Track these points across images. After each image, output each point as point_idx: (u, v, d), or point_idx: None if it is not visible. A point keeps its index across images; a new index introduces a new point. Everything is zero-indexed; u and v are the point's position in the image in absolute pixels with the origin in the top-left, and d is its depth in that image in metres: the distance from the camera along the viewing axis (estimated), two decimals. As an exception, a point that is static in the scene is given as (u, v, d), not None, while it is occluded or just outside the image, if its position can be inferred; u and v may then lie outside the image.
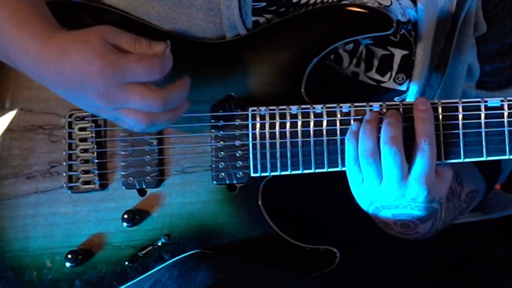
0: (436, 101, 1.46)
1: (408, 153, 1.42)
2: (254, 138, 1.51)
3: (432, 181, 1.43)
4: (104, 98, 1.38)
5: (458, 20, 1.56)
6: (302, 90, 1.51)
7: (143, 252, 1.55)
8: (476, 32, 1.63)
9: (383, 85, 1.59)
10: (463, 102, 1.45)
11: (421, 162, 1.41)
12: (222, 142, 1.52)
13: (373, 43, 1.58)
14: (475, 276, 1.63)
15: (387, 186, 1.42)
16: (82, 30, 1.42)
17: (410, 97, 1.59)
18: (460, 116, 1.45)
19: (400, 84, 1.60)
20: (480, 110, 1.44)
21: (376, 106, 1.47)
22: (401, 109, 1.46)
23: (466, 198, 1.62)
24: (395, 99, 1.59)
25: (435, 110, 1.45)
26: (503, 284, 1.62)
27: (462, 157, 1.45)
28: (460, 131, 1.44)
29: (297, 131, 1.49)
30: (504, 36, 1.66)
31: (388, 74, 1.59)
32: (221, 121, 1.52)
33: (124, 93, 1.37)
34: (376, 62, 1.58)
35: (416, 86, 1.58)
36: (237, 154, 1.52)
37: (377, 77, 1.59)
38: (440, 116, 1.45)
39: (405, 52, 1.59)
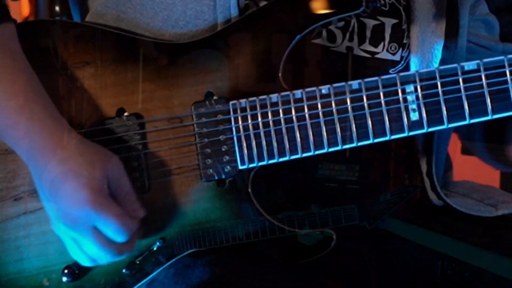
0: (414, 71, 1.46)
1: None
2: (237, 131, 1.50)
3: None
4: (65, 221, 1.42)
5: None
6: (280, 74, 1.51)
7: (140, 258, 1.53)
8: None
9: (377, 56, 1.60)
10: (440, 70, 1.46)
11: None
12: (206, 139, 1.52)
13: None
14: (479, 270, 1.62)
15: None
16: (97, 149, 1.45)
17: (413, 67, 1.60)
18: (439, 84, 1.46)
19: (394, 54, 1.61)
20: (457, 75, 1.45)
21: (355, 84, 1.47)
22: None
23: None
24: (390, 71, 1.61)
25: (414, 81, 1.46)
26: None
27: (445, 123, 1.45)
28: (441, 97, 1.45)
29: (280, 119, 1.49)
30: None
31: (381, 44, 1.60)
32: (203, 119, 1.52)
33: (86, 233, 1.41)
34: (368, 34, 1.59)
35: (417, 58, 1.60)
36: (223, 149, 1.51)
37: (371, 48, 1.60)
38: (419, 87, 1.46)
39: (395, 20, 1.60)
